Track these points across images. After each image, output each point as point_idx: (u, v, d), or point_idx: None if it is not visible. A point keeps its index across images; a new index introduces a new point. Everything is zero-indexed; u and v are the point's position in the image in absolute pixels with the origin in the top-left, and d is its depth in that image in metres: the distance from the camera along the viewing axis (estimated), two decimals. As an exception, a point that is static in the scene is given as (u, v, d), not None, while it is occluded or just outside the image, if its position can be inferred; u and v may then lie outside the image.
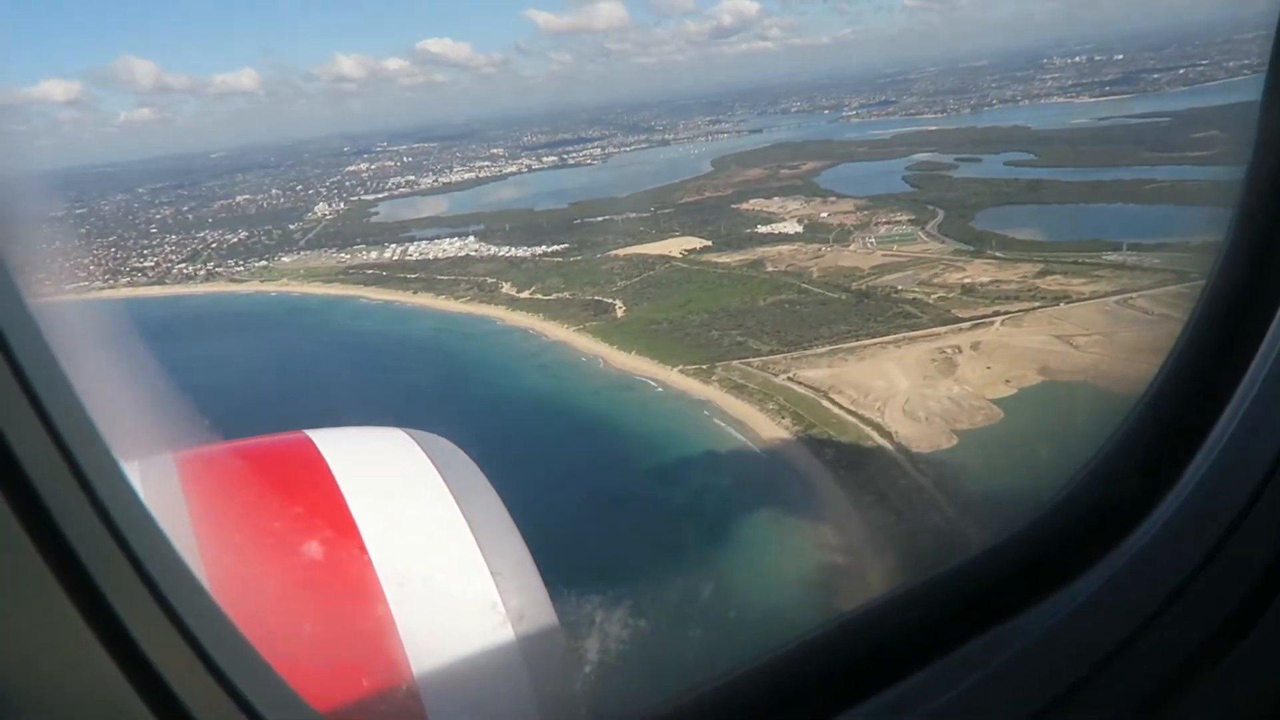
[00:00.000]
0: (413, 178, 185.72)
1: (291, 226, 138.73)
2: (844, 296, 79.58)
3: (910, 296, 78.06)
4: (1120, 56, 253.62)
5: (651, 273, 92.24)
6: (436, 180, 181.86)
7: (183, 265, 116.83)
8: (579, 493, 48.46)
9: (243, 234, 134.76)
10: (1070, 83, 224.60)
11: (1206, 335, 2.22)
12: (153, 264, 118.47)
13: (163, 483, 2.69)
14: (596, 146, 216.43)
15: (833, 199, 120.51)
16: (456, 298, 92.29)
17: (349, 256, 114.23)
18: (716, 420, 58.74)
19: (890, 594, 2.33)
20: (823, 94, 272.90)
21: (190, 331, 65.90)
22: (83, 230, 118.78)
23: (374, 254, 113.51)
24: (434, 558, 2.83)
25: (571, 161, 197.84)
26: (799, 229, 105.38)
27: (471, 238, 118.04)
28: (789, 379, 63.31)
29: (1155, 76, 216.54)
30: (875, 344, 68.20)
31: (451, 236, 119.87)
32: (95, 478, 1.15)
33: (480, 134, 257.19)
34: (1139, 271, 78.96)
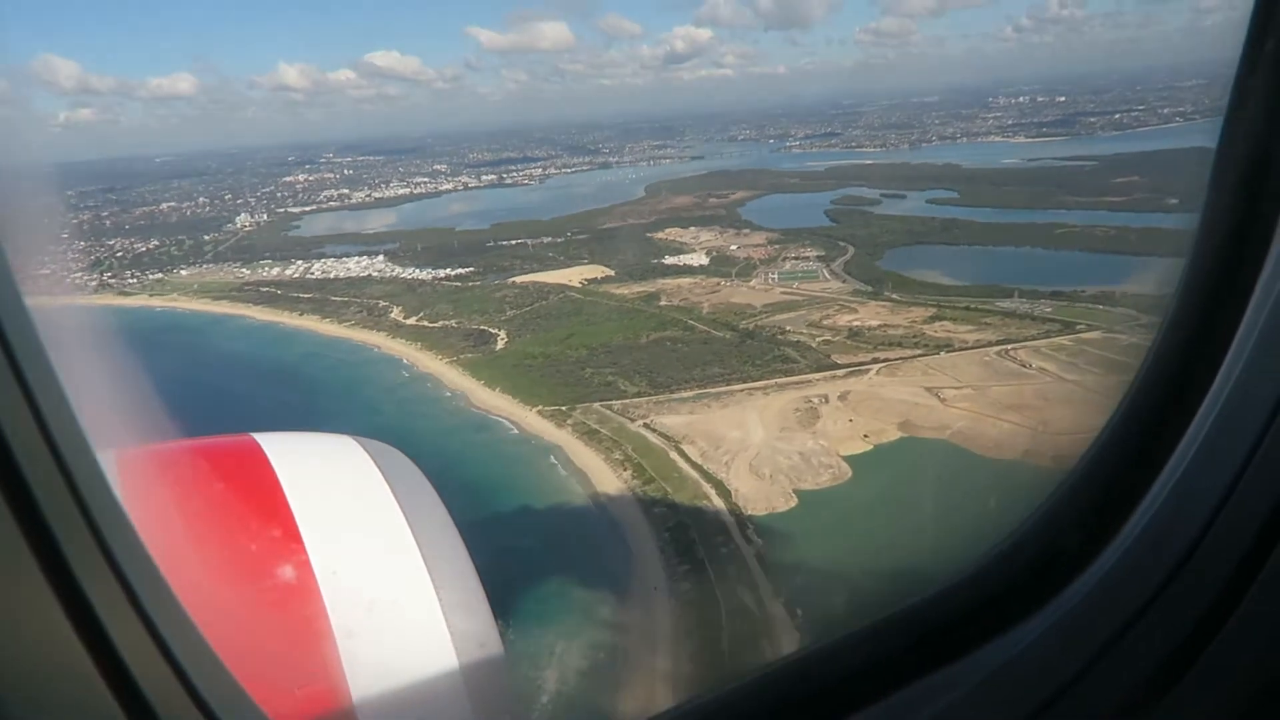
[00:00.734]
0: (346, 191, 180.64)
1: (206, 237, 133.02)
2: (728, 335, 75.97)
3: (795, 339, 74.60)
4: (1062, 99, 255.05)
5: (544, 302, 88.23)
6: (369, 195, 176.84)
7: (78, 275, 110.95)
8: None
9: (154, 243, 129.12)
10: (1011, 122, 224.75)
11: (1156, 385, 2.18)
12: (48, 272, 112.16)
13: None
14: (538, 167, 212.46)
15: (746, 231, 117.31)
16: (342, 321, 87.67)
17: (250, 272, 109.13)
18: (560, 470, 54.74)
19: (836, 636, 2.32)
20: (772, 123, 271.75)
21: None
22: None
23: (277, 270, 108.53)
24: (377, 567, 2.70)
25: (509, 181, 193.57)
26: (705, 261, 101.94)
27: (381, 257, 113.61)
28: (645, 425, 59.48)
29: (1092, 120, 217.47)
30: (744, 390, 64.58)
31: (361, 255, 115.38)
32: (74, 463, 1.16)
33: (429, 149, 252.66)
34: (1027, 320, 76.18)
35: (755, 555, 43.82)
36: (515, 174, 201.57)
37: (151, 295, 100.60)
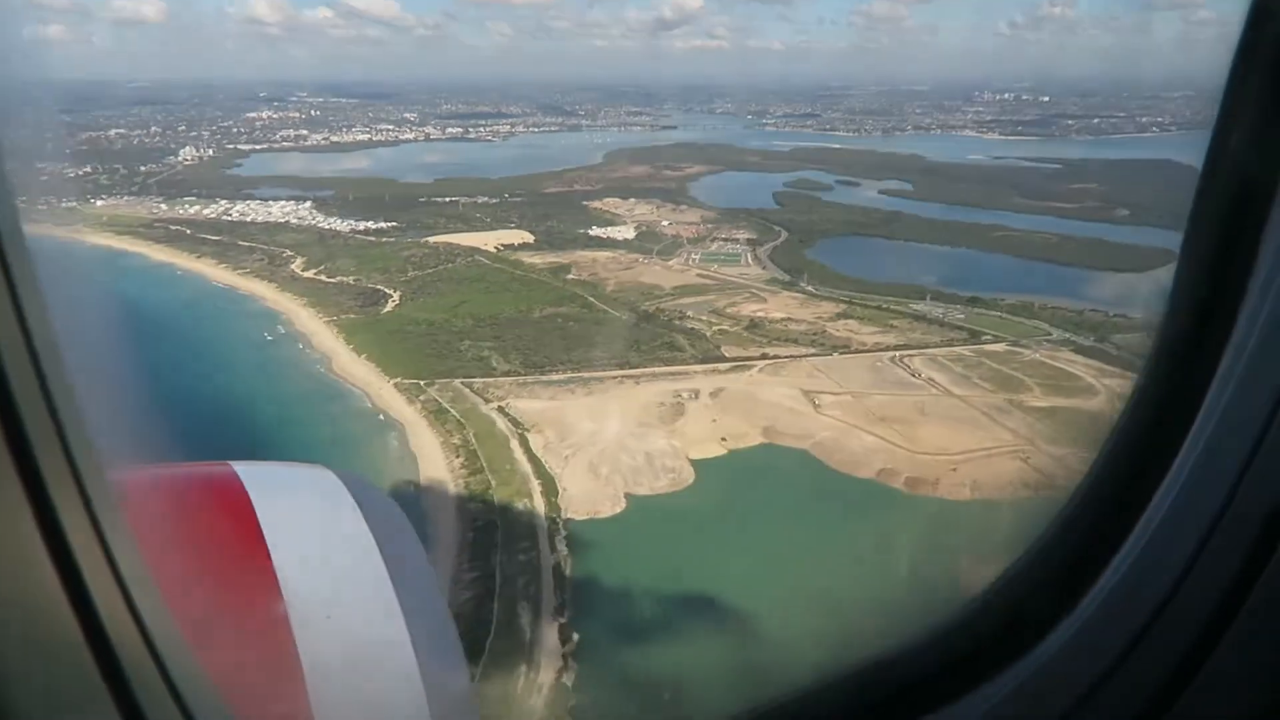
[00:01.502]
0: (305, 132, 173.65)
1: (143, 168, 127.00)
2: (625, 317, 71.54)
3: (692, 325, 70.25)
4: (1046, 99, 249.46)
5: (450, 265, 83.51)
6: (326, 138, 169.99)
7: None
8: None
9: (85, 170, 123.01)
10: (990, 118, 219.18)
11: (1134, 435, 2.17)
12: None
13: None
14: (507, 124, 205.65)
15: (685, 207, 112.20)
16: (238, 269, 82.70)
17: (168, 208, 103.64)
18: (393, 450, 50.42)
19: (805, 686, 2.30)
20: (756, 99, 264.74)
21: None
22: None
23: (196, 209, 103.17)
24: (350, 603, 2.64)
25: (472, 136, 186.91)
26: (632, 235, 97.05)
27: (309, 204, 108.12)
28: (499, 409, 55.18)
29: (1069, 123, 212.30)
30: (618, 377, 60.30)
31: (291, 200, 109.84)
32: (67, 420, 1.15)
33: (406, 97, 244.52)
34: (935, 326, 71.96)
35: (553, 567, 39.77)
36: (482, 129, 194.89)
37: (56, 225, 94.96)
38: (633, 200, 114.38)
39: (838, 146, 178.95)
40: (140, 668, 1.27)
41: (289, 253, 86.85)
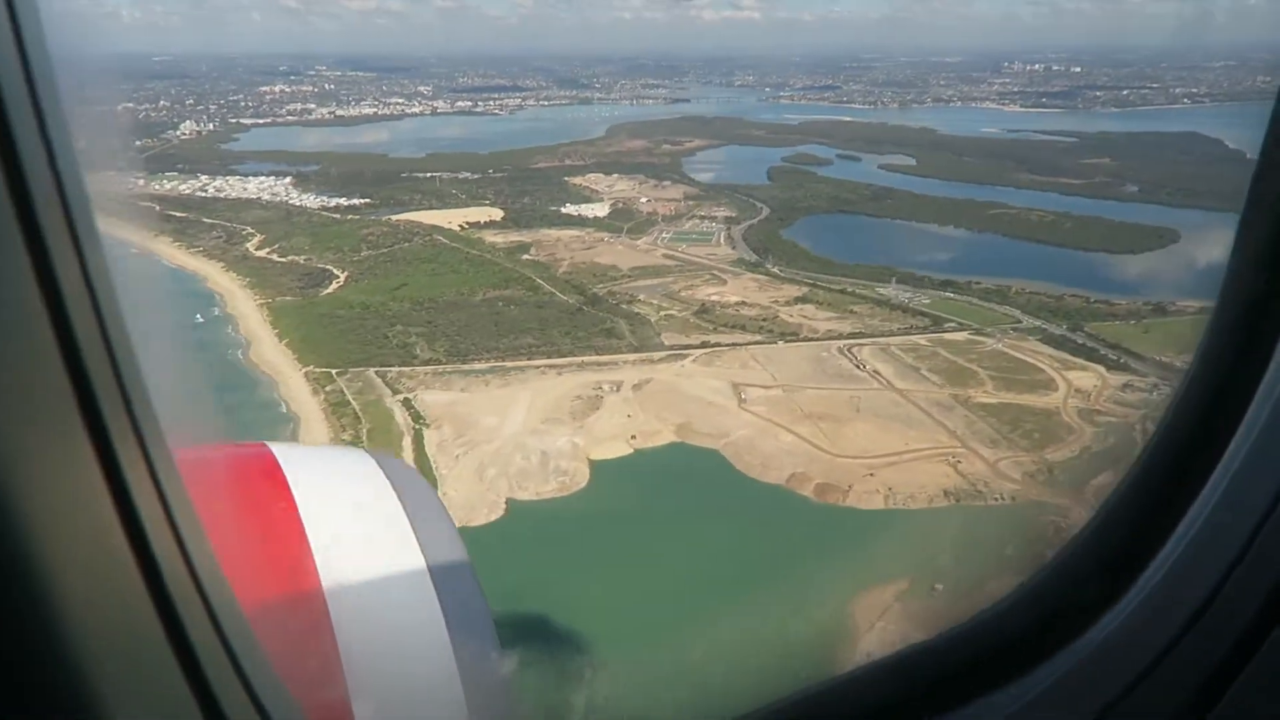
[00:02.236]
0: (313, 106, 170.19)
1: (138, 143, 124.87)
2: (571, 300, 67.28)
3: (639, 310, 65.81)
4: (1078, 69, 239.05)
5: (406, 245, 79.77)
6: (333, 112, 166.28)
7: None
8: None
9: (79, 145, 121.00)
10: (1017, 89, 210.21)
11: (1181, 429, 2.08)
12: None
13: None
14: (519, 97, 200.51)
15: (668, 184, 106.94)
16: (191, 248, 79.82)
17: (143, 184, 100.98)
18: (281, 444, 47.03)
19: (847, 673, 2.25)
20: (778, 71, 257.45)
21: None
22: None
23: (172, 185, 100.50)
24: (385, 583, 2.64)
25: (480, 110, 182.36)
26: (604, 214, 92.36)
27: (289, 180, 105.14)
28: (404, 401, 51.40)
29: (1097, 94, 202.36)
30: (542, 366, 56.15)
31: (272, 175, 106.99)
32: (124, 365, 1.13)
33: (425, 69, 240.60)
34: (897, 312, 66.69)
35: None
36: (491, 103, 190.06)
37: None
38: (616, 176, 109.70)
39: (848, 120, 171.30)
40: (211, 651, 1.28)
41: (249, 230, 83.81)
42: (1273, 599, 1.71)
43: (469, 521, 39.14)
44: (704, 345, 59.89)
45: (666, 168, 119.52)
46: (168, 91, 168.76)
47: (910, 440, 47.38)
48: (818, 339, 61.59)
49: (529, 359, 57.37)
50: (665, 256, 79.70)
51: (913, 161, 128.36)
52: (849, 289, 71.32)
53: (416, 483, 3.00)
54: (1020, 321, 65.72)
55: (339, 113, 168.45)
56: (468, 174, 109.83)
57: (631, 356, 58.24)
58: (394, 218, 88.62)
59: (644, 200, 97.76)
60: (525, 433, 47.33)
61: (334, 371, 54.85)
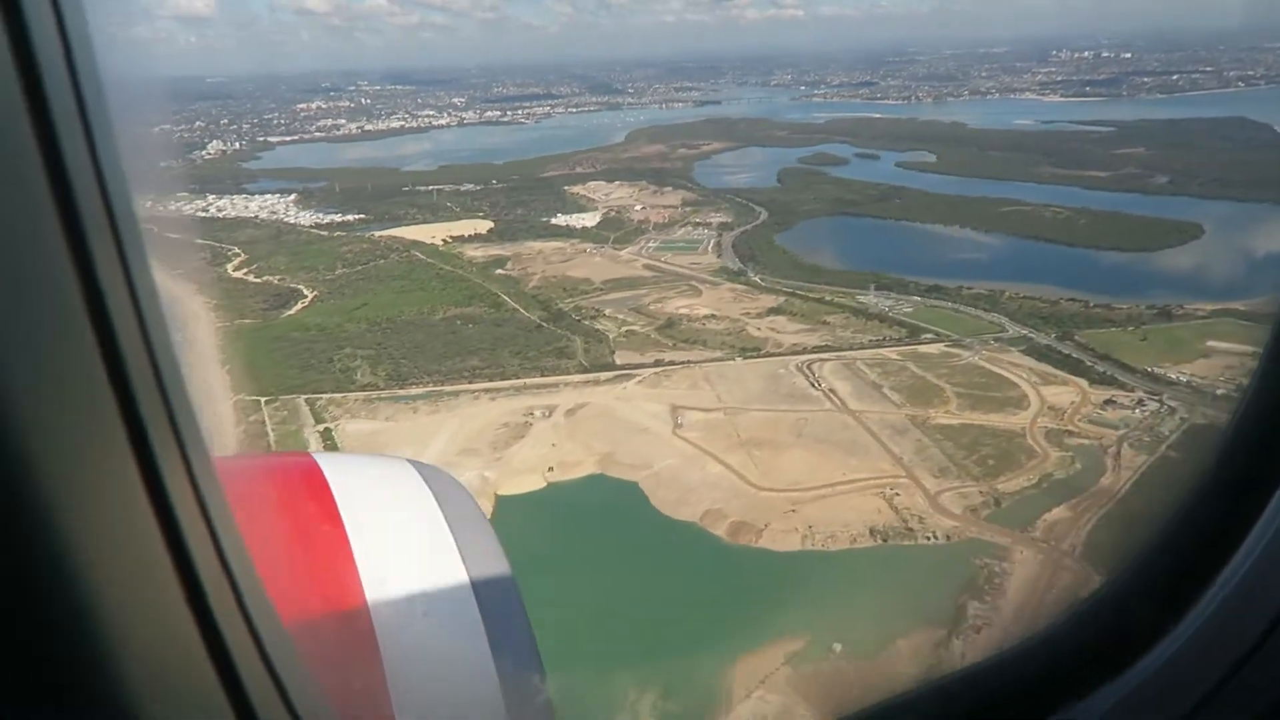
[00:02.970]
0: (343, 121, 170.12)
1: (161, 165, 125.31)
2: (533, 318, 63.89)
3: (600, 326, 62.05)
4: (1128, 55, 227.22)
5: (381, 262, 77.45)
6: (361, 127, 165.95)
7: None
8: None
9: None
10: (1060, 79, 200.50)
11: (1229, 465, 2.04)
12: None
13: None
14: (546, 105, 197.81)
15: (667, 190, 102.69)
16: (173, 270, 77.72)
17: (151, 205, 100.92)
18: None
19: (895, 697, 2.18)
20: (817, 69, 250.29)
21: None
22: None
23: (176, 206, 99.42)
24: (427, 592, 2.61)
25: (506, 120, 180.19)
26: (594, 223, 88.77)
27: (293, 196, 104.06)
28: (327, 429, 48.70)
29: (1145, 80, 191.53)
30: (478, 390, 52.76)
31: (277, 193, 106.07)
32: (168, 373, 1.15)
33: (462, 81, 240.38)
34: (874, 321, 61.64)
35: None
36: (520, 111, 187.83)
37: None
38: (617, 183, 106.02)
39: (877, 116, 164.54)
40: (249, 661, 1.26)
41: (234, 250, 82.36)
42: None
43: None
44: (656, 364, 55.87)
45: (676, 173, 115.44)
46: (208, 112, 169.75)
47: (849, 469, 42.72)
48: (780, 354, 57.07)
49: (469, 382, 54.11)
50: (646, 267, 75.75)
51: (933, 158, 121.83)
52: (827, 298, 66.48)
53: (459, 493, 2.91)
54: (1005, 330, 60.10)
55: (367, 127, 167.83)
56: (470, 186, 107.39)
57: (577, 378, 54.55)
58: (377, 234, 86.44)
59: (638, 208, 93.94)
60: (442, 463, 44.13)
61: (263, 400, 52.41)
